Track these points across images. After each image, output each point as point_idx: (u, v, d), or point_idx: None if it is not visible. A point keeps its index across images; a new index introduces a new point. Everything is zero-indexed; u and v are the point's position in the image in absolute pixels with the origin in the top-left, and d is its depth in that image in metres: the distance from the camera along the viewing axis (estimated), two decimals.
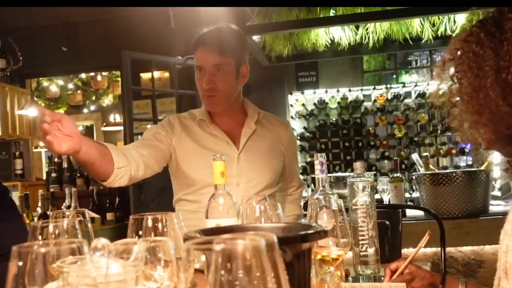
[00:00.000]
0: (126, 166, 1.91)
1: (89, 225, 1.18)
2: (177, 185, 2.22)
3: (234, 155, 2.13)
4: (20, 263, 0.68)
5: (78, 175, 4.80)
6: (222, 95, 2.11)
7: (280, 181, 2.33)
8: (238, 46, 2.15)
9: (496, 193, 4.31)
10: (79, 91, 8.31)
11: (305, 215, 1.70)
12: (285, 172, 2.33)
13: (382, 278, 1.62)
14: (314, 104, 5.97)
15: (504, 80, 1.07)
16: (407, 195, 4.74)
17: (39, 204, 4.24)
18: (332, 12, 4.57)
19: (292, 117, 5.97)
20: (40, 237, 1.01)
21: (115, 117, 8.21)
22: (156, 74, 5.31)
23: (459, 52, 1.16)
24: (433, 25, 4.64)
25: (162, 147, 2.11)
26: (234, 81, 2.13)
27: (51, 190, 4.56)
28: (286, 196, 2.40)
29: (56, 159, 4.96)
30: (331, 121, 5.94)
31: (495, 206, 3.68)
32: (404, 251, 3.21)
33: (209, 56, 2.07)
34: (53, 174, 4.79)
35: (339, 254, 1.28)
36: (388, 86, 5.92)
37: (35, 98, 6.13)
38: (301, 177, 2.55)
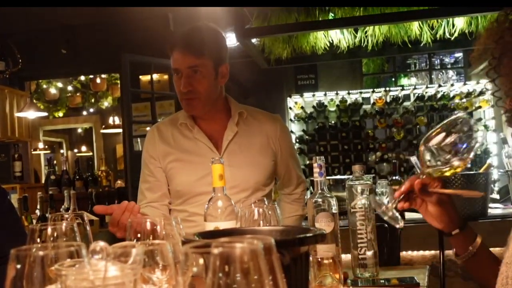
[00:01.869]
0: None
1: (88, 227, 1.18)
2: (173, 197, 2.18)
3: None
4: (18, 266, 0.68)
5: (77, 177, 4.80)
6: (201, 97, 2.01)
7: (277, 180, 2.24)
8: (216, 45, 2.06)
9: (495, 196, 4.31)
10: (78, 94, 8.33)
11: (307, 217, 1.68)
12: (281, 170, 2.20)
13: (382, 281, 1.62)
14: (313, 107, 5.98)
15: None
16: None
17: (38, 207, 4.23)
18: (331, 15, 4.58)
19: (291, 120, 5.98)
20: (38, 240, 1.01)
21: (114, 120, 8.22)
22: (155, 76, 5.32)
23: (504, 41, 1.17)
24: (432, 28, 4.65)
25: (163, 185, 2.13)
26: (213, 82, 2.03)
27: (50, 192, 4.55)
28: (286, 195, 2.29)
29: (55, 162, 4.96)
30: (330, 124, 5.95)
31: (494, 209, 3.68)
32: (403, 254, 3.21)
33: (185, 57, 1.99)
34: (52, 177, 4.78)
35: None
36: (387, 89, 5.92)
37: (34, 101, 6.13)
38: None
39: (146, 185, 2.15)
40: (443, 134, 1.26)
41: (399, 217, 1.36)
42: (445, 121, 1.28)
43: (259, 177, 2.10)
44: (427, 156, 1.27)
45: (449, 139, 1.25)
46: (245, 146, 2.10)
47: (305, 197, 2.38)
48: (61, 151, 10.13)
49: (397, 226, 1.38)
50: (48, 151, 9.02)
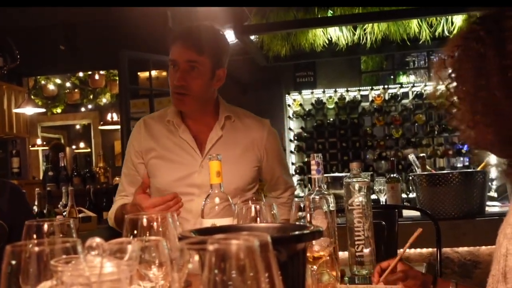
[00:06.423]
0: None
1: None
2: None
3: (197, 163, 2.03)
4: (14, 262, 0.68)
5: (75, 174, 4.79)
6: (193, 94, 1.99)
7: (265, 184, 2.24)
8: (217, 47, 2.05)
9: (493, 194, 4.32)
10: (76, 90, 8.31)
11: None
12: (266, 175, 2.20)
13: None
14: (312, 104, 5.97)
15: (510, 79, 1.05)
16: (403, 195, 4.74)
17: (36, 203, 4.22)
18: (330, 13, 4.58)
19: (289, 117, 5.97)
20: (34, 236, 1.00)
21: (113, 116, 8.19)
22: (154, 73, 5.32)
23: (459, 50, 1.14)
24: (431, 26, 4.64)
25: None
26: (208, 83, 2.01)
27: (48, 188, 4.54)
28: (273, 198, 2.27)
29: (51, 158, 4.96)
30: (328, 121, 5.94)
31: (492, 207, 3.69)
32: (400, 251, 3.22)
33: (185, 51, 1.97)
34: (50, 173, 4.77)
35: (321, 254, 1.30)
36: (386, 86, 5.92)
37: (32, 97, 6.11)
38: (297, 177, 2.42)
39: (127, 178, 2.14)
40: None
41: None
42: None
43: (239, 183, 2.07)
44: None
45: None
46: (230, 151, 2.04)
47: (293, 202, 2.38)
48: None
49: None
50: (46, 148, 9.00)
